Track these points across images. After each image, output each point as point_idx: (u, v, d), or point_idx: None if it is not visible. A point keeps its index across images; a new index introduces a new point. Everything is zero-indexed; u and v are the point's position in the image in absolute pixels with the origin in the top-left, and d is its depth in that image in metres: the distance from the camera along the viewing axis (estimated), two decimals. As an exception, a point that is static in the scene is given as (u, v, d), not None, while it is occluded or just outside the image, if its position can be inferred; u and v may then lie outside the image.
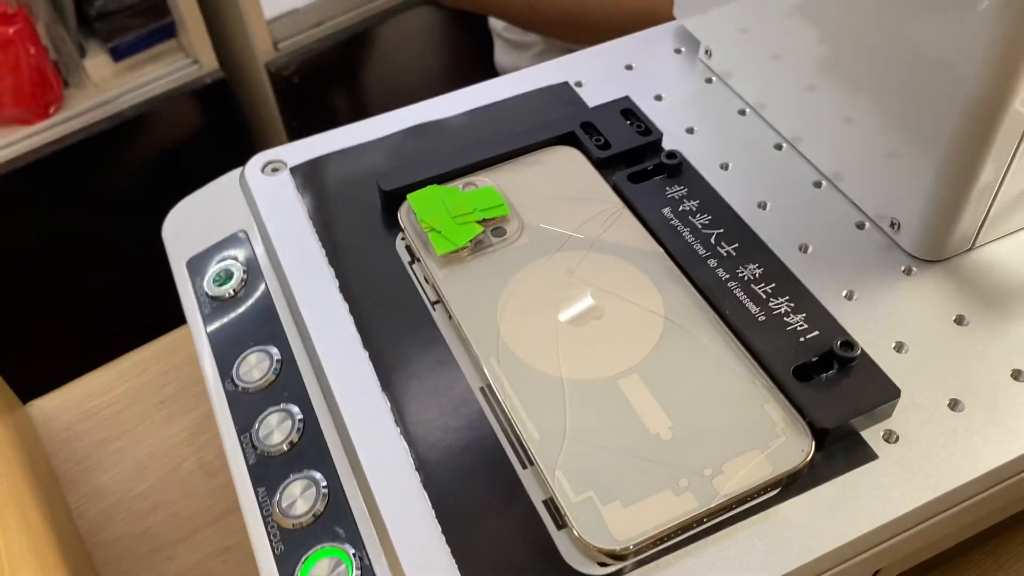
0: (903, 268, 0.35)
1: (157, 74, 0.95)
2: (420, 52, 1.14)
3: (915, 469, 0.30)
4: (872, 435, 0.31)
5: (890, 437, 0.30)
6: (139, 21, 0.94)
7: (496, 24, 0.86)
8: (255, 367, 0.35)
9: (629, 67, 0.44)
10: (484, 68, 1.02)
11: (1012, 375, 0.32)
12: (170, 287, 0.40)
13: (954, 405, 0.31)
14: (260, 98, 1.03)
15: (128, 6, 0.93)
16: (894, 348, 0.33)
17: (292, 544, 0.30)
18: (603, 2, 0.67)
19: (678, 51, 0.45)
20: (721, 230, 0.35)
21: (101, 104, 0.93)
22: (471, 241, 0.35)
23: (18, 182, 0.90)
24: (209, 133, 1.00)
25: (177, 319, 0.48)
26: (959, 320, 0.34)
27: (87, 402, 0.46)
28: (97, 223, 0.98)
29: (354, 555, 0.29)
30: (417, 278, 0.35)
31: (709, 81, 0.44)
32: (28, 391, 0.47)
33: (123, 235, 0.97)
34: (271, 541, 0.30)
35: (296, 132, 1.01)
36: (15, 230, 0.94)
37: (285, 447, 0.32)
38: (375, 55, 1.09)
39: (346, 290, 0.35)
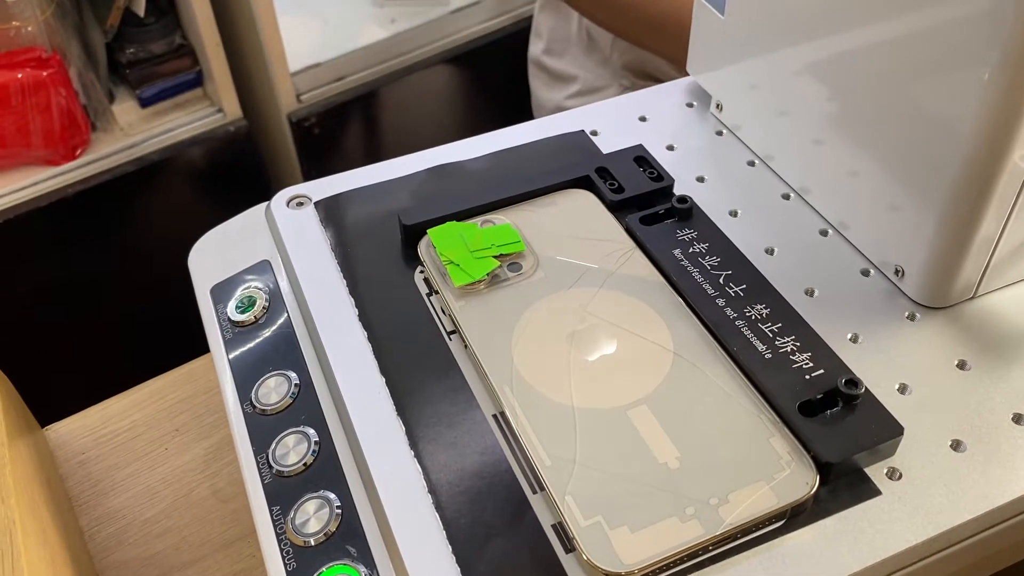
0: (907, 314, 0.36)
1: (182, 121, 0.98)
2: (436, 109, 1.17)
3: (917, 506, 0.30)
4: (876, 472, 0.31)
5: (893, 474, 0.31)
6: (167, 70, 0.98)
7: (535, 50, 0.89)
8: (274, 390, 0.36)
9: (643, 119, 0.46)
10: (500, 125, 1.05)
11: (1013, 419, 0.33)
12: (186, 322, 0.41)
13: (956, 446, 0.32)
14: (280, 147, 1.06)
15: (158, 55, 0.97)
16: (898, 389, 0.34)
17: (304, 561, 0.31)
18: None
19: (690, 105, 0.47)
20: (730, 271, 0.37)
21: (126, 148, 0.96)
22: (488, 274, 0.37)
23: (43, 220, 0.92)
24: (230, 179, 1.03)
25: (194, 352, 0.50)
26: (961, 365, 0.34)
27: (103, 428, 0.47)
28: (119, 261, 1.00)
29: (365, 574, 0.30)
30: (434, 309, 0.37)
31: (720, 133, 0.45)
32: (48, 417, 0.48)
33: (143, 273, 0.99)
34: (284, 558, 0.31)
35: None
36: (40, 265, 0.96)
37: (300, 467, 0.33)
38: (393, 110, 1.12)
39: (365, 319, 0.36)
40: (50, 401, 0.56)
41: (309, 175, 1.05)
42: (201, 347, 0.41)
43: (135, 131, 0.96)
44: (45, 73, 0.88)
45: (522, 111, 0.97)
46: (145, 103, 0.97)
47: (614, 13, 0.72)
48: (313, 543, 0.31)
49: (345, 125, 1.08)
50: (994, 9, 0.29)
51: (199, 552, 0.41)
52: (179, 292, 0.41)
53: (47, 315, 0.98)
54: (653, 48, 0.74)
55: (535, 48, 0.89)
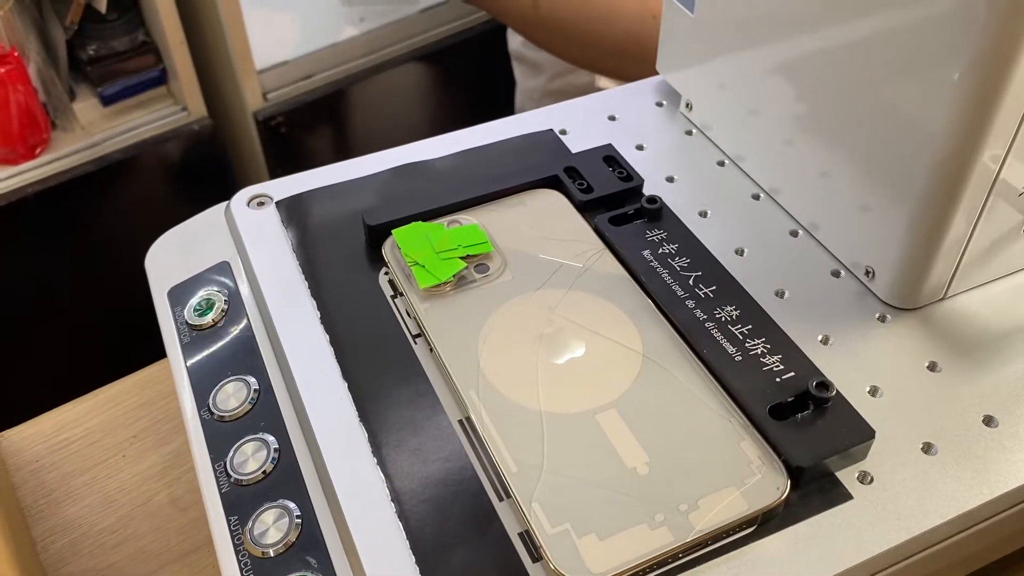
0: (877, 315, 0.36)
1: (145, 120, 0.96)
2: (406, 108, 1.16)
3: (889, 510, 0.30)
4: (847, 476, 0.31)
5: (864, 478, 0.31)
6: (130, 67, 0.96)
7: (514, 43, 0.88)
8: (232, 396, 0.34)
9: (612, 118, 0.45)
10: (470, 124, 1.04)
11: (984, 421, 0.32)
12: (148, 326, 0.40)
13: (927, 449, 0.32)
14: (247, 146, 1.04)
15: (120, 52, 0.95)
16: (868, 392, 0.33)
17: (263, 573, 0.30)
18: (602, 18, 0.67)
19: (660, 104, 0.46)
20: (699, 273, 0.36)
21: (87, 147, 0.93)
22: (454, 276, 0.36)
23: (1, 221, 0.90)
24: (195, 179, 1.01)
25: (155, 357, 0.48)
26: (932, 367, 0.34)
27: (58, 435, 0.45)
28: (79, 263, 0.98)
29: (325, 585, 0.29)
30: (399, 312, 0.36)
31: (689, 133, 0.45)
32: (1, 424, 0.47)
33: (104, 276, 0.97)
34: (242, 570, 0.30)
35: (281, 181, 1.02)
36: (-5, 267, 0.93)
37: (259, 476, 0.32)
38: (361, 109, 1.10)
39: (327, 322, 0.35)
40: (3, 408, 0.54)
41: (276, 175, 1.03)
42: (162, 351, 0.39)
43: (96, 130, 0.94)
44: (3, 70, 0.86)
45: (493, 110, 0.95)
46: (107, 101, 0.95)
47: (575, 45, 0.71)
48: (272, 554, 0.30)
49: (313, 124, 1.06)
50: (964, 9, 0.29)
51: (157, 563, 0.40)
52: (140, 295, 0.40)
53: (5, 318, 0.96)
54: (614, 72, 0.71)
55: (513, 42, 0.88)
